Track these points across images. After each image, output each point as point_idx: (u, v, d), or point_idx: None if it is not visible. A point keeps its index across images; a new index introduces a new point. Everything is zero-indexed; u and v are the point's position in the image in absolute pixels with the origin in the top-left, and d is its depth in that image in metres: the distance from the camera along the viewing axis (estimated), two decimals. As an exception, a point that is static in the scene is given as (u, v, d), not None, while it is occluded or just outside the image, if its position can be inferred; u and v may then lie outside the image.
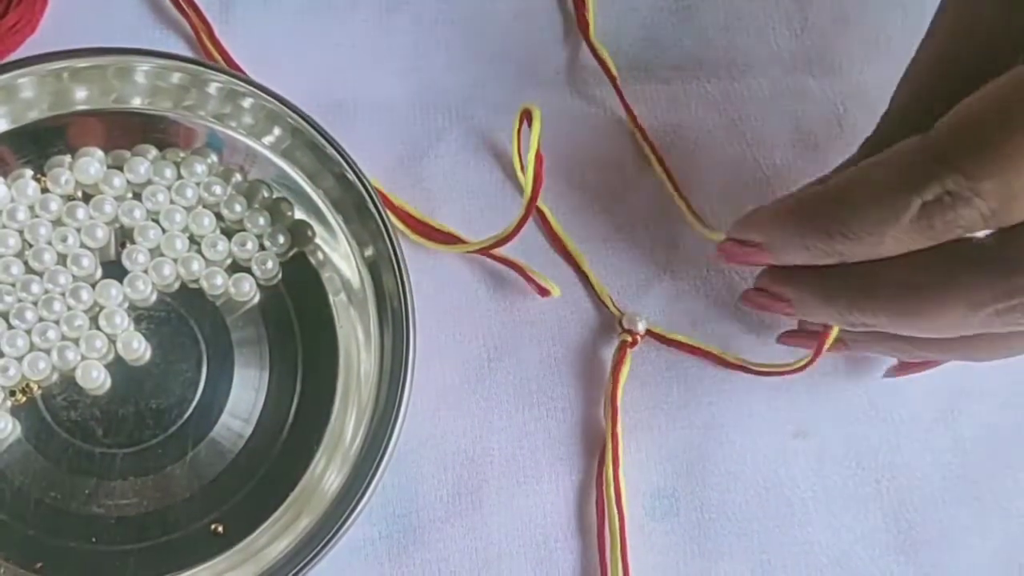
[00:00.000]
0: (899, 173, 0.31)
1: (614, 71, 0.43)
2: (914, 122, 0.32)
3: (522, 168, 0.42)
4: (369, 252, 0.40)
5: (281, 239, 0.40)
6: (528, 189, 0.38)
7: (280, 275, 0.40)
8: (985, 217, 0.30)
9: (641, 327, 0.41)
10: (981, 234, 0.32)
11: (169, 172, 0.40)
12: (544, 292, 0.41)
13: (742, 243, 0.37)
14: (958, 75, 0.33)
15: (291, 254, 0.41)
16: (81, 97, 0.40)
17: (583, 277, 0.42)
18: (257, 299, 0.41)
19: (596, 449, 0.41)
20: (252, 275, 0.40)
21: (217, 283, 0.40)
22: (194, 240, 0.40)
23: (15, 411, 0.39)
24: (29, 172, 0.40)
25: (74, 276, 0.39)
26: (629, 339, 0.41)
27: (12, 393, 0.39)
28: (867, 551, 0.41)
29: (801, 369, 0.40)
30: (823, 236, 0.33)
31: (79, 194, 0.40)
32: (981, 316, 0.32)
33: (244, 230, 0.40)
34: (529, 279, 0.41)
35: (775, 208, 0.35)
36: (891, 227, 0.31)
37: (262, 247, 0.40)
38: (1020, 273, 0.31)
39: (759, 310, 0.39)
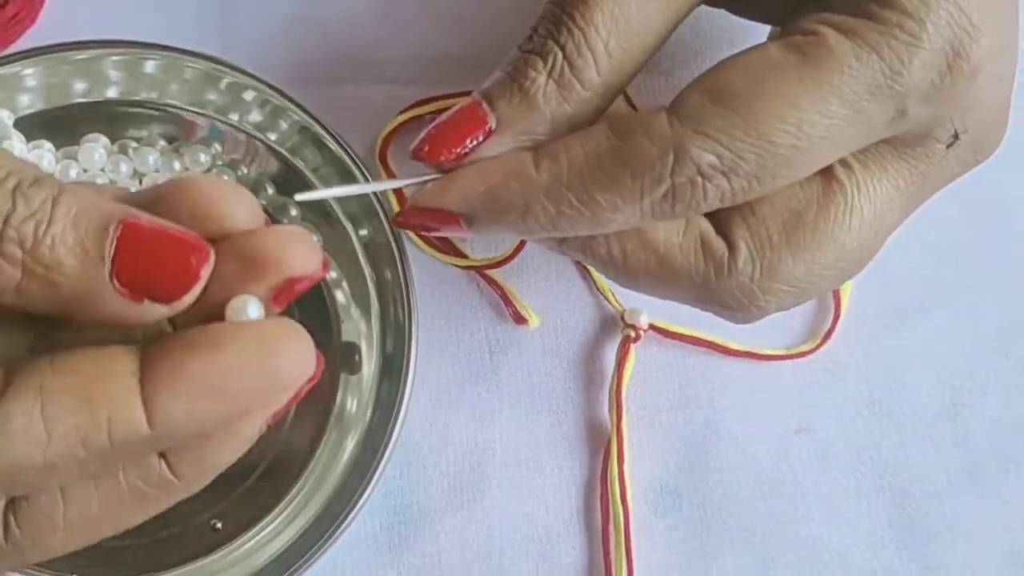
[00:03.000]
0: (646, 152, 0.30)
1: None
2: None
3: None
4: (371, 246, 0.40)
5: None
6: None
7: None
8: (734, 194, 0.30)
9: (644, 321, 0.41)
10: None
11: (177, 164, 0.40)
12: (522, 320, 0.41)
13: (432, 212, 0.32)
14: None
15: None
16: (80, 89, 0.39)
17: (585, 271, 0.42)
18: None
19: (598, 444, 0.41)
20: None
21: None
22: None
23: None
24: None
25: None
26: (632, 334, 0.41)
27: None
28: (870, 546, 0.41)
29: (807, 353, 0.41)
30: (546, 220, 0.31)
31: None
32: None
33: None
34: (510, 305, 0.41)
35: (483, 180, 0.31)
36: (630, 210, 0.30)
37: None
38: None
39: (421, 231, 0.34)
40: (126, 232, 0.24)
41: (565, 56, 0.31)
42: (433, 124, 0.32)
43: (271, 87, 0.39)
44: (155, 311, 0.25)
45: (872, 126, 0.30)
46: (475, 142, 0.31)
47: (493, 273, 0.41)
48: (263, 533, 0.38)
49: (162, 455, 0.26)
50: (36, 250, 0.24)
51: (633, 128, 0.30)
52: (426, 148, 0.31)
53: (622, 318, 0.41)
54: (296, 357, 0.25)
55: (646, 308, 0.41)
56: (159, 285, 0.25)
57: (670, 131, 0.30)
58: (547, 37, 0.31)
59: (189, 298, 0.25)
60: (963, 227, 0.43)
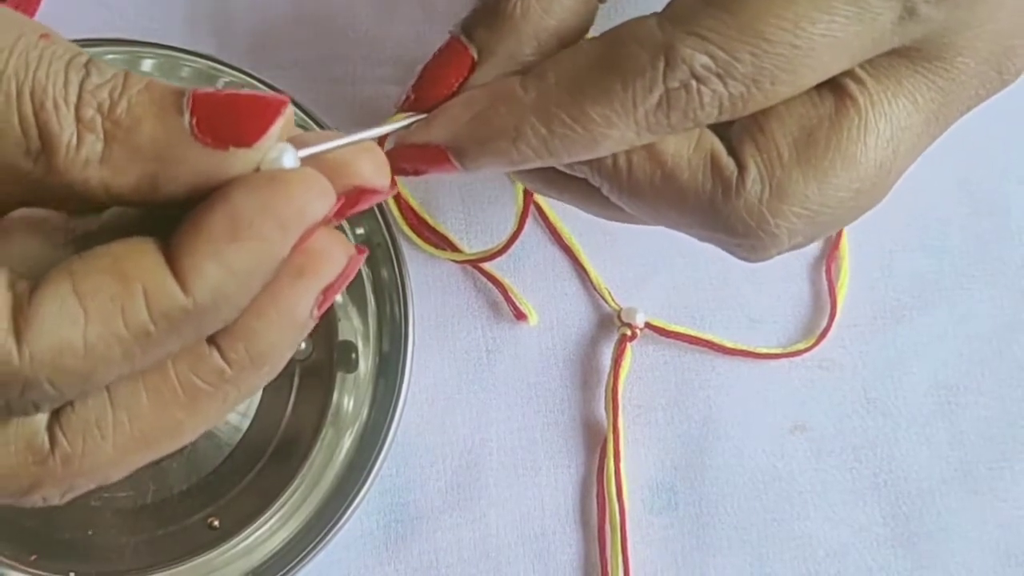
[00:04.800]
0: (636, 57, 0.28)
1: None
2: None
3: None
4: (368, 244, 0.40)
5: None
6: (519, 202, 0.38)
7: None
8: (733, 102, 0.28)
9: (640, 320, 0.41)
10: None
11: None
12: (521, 316, 0.41)
13: (419, 150, 0.31)
14: None
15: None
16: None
17: (581, 270, 0.42)
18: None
19: (594, 442, 0.41)
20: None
21: None
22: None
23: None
24: None
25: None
26: (628, 332, 0.41)
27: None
28: (865, 544, 0.41)
29: (803, 352, 0.41)
30: (538, 143, 0.29)
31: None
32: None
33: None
34: (510, 301, 0.41)
35: (469, 108, 0.30)
36: (624, 123, 0.29)
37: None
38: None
39: (410, 174, 0.32)
40: (198, 95, 0.24)
41: None
42: (417, 73, 0.31)
43: (268, 86, 0.39)
44: (240, 160, 0.24)
45: (878, 27, 0.29)
46: (460, 79, 0.30)
47: (492, 270, 0.41)
48: (260, 531, 0.38)
49: (213, 342, 0.25)
50: (114, 113, 0.24)
51: (622, 36, 0.29)
52: (413, 97, 0.30)
53: (618, 317, 0.41)
54: (311, 186, 0.24)
55: (642, 307, 0.41)
56: (240, 127, 0.24)
57: (660, 34, 0.28)
58: None
59: (271, 139, 0.24)
60: (959, 227, 0.43)
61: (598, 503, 0.40)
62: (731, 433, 0.41)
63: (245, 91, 0.25)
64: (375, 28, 0.43)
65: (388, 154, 0.29)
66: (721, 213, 0.30)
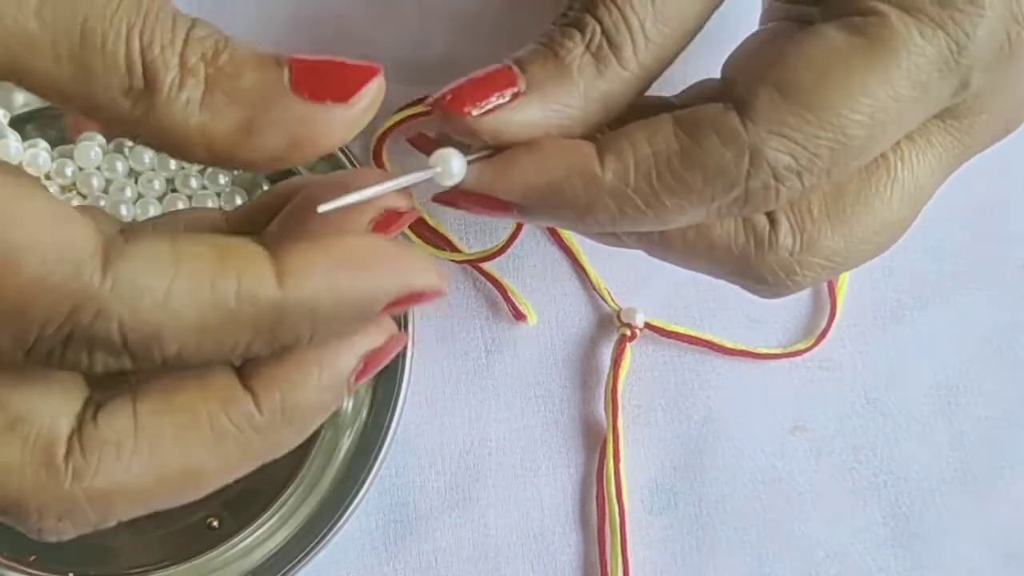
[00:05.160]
0: (720, 155, 0.28)
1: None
2: None
3: None
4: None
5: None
6: None
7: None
8: (805, 191, 0.29)
9: (640, 320, 0.41)
10: None
11: (172, 163, 0.40)
12: (520, 316, 0.41)
13: (483, 197, 0.30)
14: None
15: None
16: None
17: (581, 270, 0.42)
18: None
19: (594, 443, 0.41)
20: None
21: None
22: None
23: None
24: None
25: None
26: (628, 333, 0.41)
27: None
28: (864, 544, 0.41)
29: (803, 352, 0.41)
30: (606, 219, 0.29)
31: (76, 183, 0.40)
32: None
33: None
34: (509, 301, 0.41)
35: (544, 172, 0.29)
36: (696, 212, 0.29)
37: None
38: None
39: (465, 210, 0.31)
40: (295, 57, 0.26)
41: (603, 31, 0.30)
42: (458, 81, 0.30)
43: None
44: (337, 116, 0.25)
45: (936, 102, 0.30)
46: (501, 99, 0.29)
47: (491, 270, 0.41)
48: (259, 531, 0.38)
49: (248, 387, 0.26)
50: (217, 61, 0.25)
51: (703, 128, 0.29)
52: (449, 98, 0.29)
53: (618, 317, 0.41)
54: (428, 267, 0.26)
55: (642, 307, 0.41)
56: (337, 84, 0.25)
57: (745, 134, 0.28)
58: (584, 12, 0.30)
59: (367, 95, 0.26)
60: (959, 228, 0.43)
61: (598, 503, 0.40)
62: (731, 433, 0.41)
63: (340, 58, 0.26)
64: (372, 30, 0.43)
65: (449, 192, 0.30)
66: (753, 266, 0.31)
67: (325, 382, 0.26)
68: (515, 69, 0.30)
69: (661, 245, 0.32)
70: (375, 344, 0.26)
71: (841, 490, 0.41)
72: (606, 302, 0.42)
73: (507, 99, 0.29)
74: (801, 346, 0.42)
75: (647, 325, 0.41)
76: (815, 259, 0.31)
